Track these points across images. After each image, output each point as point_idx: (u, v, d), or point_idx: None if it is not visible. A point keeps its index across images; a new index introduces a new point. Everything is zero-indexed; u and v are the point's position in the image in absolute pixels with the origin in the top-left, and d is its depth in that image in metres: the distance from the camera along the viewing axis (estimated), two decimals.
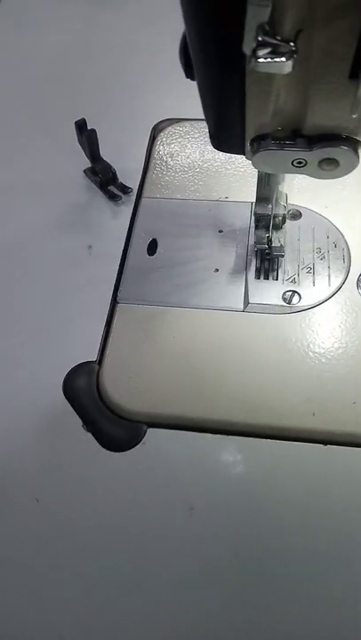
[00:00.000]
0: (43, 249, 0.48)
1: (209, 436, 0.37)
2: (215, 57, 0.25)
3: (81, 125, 0.48)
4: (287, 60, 0.23)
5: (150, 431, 0.38)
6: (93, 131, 0.48)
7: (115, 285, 0.46)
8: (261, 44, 0.22)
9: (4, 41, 0.68)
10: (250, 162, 0.51)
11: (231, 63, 0.25)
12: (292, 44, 0.23)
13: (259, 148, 0.31)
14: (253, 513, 0.35)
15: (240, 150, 0.32)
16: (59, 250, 0.48)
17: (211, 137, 0.33)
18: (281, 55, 0.23)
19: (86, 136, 0.48)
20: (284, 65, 0.23)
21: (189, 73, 0.29)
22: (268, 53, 0.23)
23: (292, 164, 0.31)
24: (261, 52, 0.23)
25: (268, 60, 0.23)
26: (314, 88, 0.26)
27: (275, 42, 0.23)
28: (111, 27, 0.68)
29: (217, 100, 0.29)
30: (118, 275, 0.46)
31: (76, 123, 0.48)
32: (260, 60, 0.23)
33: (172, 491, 0.36)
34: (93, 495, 0.36)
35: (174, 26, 0.66)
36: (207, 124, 0.32)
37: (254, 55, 0.23)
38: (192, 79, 0.30)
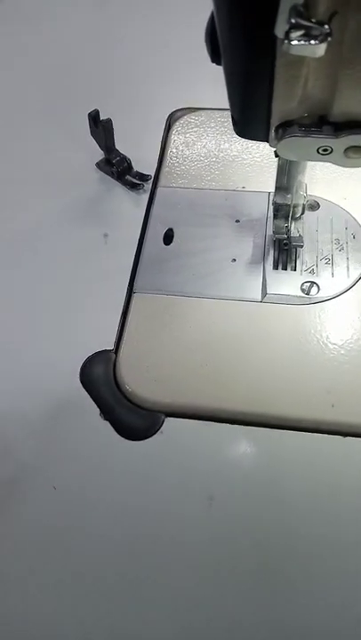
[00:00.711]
0: (58, 238, 0.48)
1: (227, 426, 0.37)
2: (245, 40, 0.25)
3: (95, 116, 0.48)
4: (320, 42, 0.22)
5: (168, 420, 0.38)
6: (109, 120, 0.48)
7: (131, 275, 0.46)
8: (295, 26, 0.22)
9: (18, 31, 0.68)
10: (266, 152, 0.52)
11: (261, 47, 0.25)
12: (326, 26, 0.22)
13: (284, 134, 0.30)
14: (273, 504, 0.35)
15: (264, 137, 0.32)
16: (74, 239, 0.48)
17: (234, 123, 0.32)
18: (315, 38, 0.22)
19: (102, 126, 0.48)
20: (317, 48, 0.22)
21: (216, 57, 0.28)
22: (301, 36, 0.22)
23: (318, 151, 0.31)
24: (294, 35, 0.22)
25: (302, 42, 0.22)
26: (344, 73, 0.26)
27: (308, 24, 0.22)
28: (124, 15, 0.68)
29: (243, 85, 0.28)
30: (134, 264, 0.46)
31: (89, 114, 0.48)
32: (293, 42, 0.22)
33: (191, 480, 0.36)
34: (111, 484, 0.36)
35: (188, 14, 0.66)
36: (231, 110, 0.31)
37: (287, 38, 0.22)
38: (218, 64, 0.29)
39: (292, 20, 0.22)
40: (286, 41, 0.22)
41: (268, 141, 0.32)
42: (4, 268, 0.47)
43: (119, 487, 0.36)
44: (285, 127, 0.30)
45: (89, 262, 0.47)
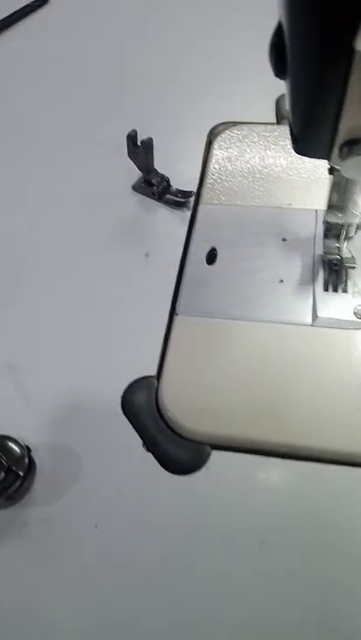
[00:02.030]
0: (98, 259, 0.47)
1: (278, 461, 0.35)
2: (319, 53, 0.23)
3: (134, 137, 0.46)
4: None
5: (215, 454, 0.36)
6: (150, 139, 0.46)
7: (173, 296, 0.44)
8: None
9: (52, 44, 0.67)
10: (312, 167, 0.49)
11: (336, 60, 0.23)
12: None
13: (350, 153, 0.28)
14: (333, 550, 0.32)
15: (326, 155, 0.30)
16: (115, 259, 0.46)
17: (294, 140, 0.30)
18: None
19: (143, 145, 0.46)
20: None
21: (281, 71, 0.27)
22: None
23: None
24: None
25: None
26: None
27: None
28: (162, 27, 0.66)
29: (312, 100, 0.26)
30: (176, 285, 0.44)
31: (128, 135, 0.46)
32: None
33: (240, 521, 0.34)
34: (155, 522, 0.34)
35: (229, 26, 0.65)
36: (293, 126, 0.30)
37: None
38: (282, 78, 0.27)
39: None
40: None
41: (329, 159, 0.30)
42: (42, 290, 0.46)
43: (163, 525, 0.34)
44: (351, 145, 0.28)
45: (130, 283, 0.45)
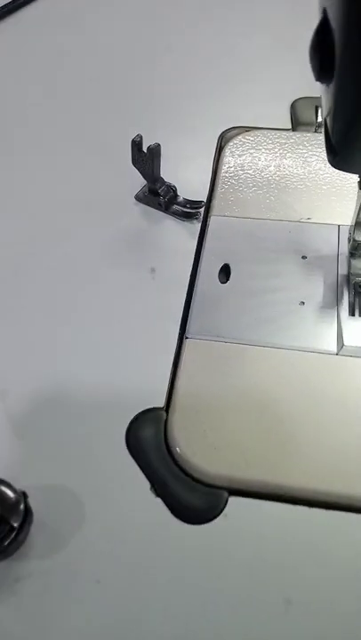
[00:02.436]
0: (98, 274, 0.43)
1: (305, 509, 0.31)
2: None
3: (139, 144, 0.42)
4: None
5: (232, 500, 0.32)
6: (158, 146, 0.42)
7: (182, 317, 0.40)
8: None
9: (52, 39, 0.63)
10: (335, 179, 0.46)
11: None
12: None
13: None
14: None
15: None
16: (116, 274, 0.42)
17: (332, 152, 0.27)
18: None
19: (150, 151, 0.42)
20: None
21: (325, 74, 0.23)
22: None
23: None
24: None
25: None
26: None
27: None
28: (169, 25, 0.63)
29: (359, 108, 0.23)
30: (186, 304, 0.40)
31: (133, 141, 0.42)
32: None
33: (262, 578, 0.30)
34: (165, 578, 0.30)
35: (240, 24, 0.61)
36: (330, 136, 0.26)
37: None
38: (325, 82, 0.24)
39: None
40: None
41: None
42: (35, 306, 0.41)
43: (174, 581, 0.30)
44: None
45: (133, 301, 0.41)
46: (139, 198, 0.47)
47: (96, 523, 0.32)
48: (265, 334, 0.38)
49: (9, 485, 0.30)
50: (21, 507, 0.30)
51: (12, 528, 0.29)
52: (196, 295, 0.40)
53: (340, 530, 0.31)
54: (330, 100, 0.24)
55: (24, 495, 0.30)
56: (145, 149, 0.42)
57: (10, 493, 0.30)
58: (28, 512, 0.30)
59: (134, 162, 0.44)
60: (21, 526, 0.29)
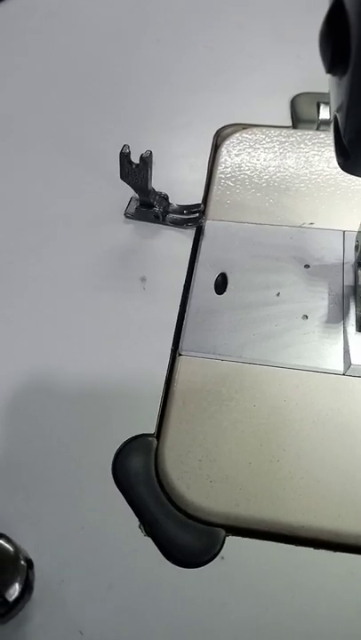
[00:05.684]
0: (83, 284, 0.39)
1: (311, 551, 0.28)
2: None
3: (128, 155, 0.38)
4: None
5: (230, 540, 0.29)
6: (150, 154, 0.37)
7: (175, 331, 0.37)
8: None
9: (28, 31, 0.59)
10: (339, 180, 0.42)
11: None
12: None
13: None
14: None
15: None
16: (103, 284, 0.39)
17: (340, 153, 0.24)
18: None
19: (144, 160, 0.37)
20: None
21: (337, 66, 0.20)
22: None
23: None
24: None
25: None
26: None
27: None
28: (158, 15, 0.59)
29: None
30: (179, 317, 0.37)
31: (121, 153, 0.37)
32: None
33: (266, 628, 0.27)
34: (154, 627, 0.27)
35: (234, 13, 0.58)
36: (342, 135, 0.23)
37: None
38: (336, 74, 0.21)
39: None
40: None
41: None
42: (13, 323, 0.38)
43: (164, 630, 0.27)
44: None
45: (121, 313, 0.38)
46: (130, 216, 0.42)
47: (79, 566, 0.29)
48: (265, 351, 0.35)
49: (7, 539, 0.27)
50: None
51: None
52: (190, 307, 0.37)
53: (354, 575, 0.27)
54: (342, 94, 0.21)
55: (29, 563, 0.27)
56: (135, 158, 0.38)
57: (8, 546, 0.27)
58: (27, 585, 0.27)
59: (124, 176, 0.39)
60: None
